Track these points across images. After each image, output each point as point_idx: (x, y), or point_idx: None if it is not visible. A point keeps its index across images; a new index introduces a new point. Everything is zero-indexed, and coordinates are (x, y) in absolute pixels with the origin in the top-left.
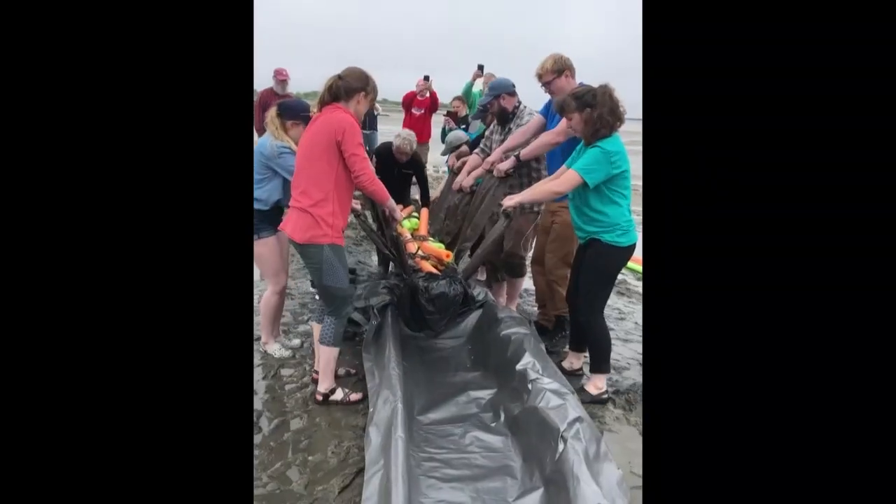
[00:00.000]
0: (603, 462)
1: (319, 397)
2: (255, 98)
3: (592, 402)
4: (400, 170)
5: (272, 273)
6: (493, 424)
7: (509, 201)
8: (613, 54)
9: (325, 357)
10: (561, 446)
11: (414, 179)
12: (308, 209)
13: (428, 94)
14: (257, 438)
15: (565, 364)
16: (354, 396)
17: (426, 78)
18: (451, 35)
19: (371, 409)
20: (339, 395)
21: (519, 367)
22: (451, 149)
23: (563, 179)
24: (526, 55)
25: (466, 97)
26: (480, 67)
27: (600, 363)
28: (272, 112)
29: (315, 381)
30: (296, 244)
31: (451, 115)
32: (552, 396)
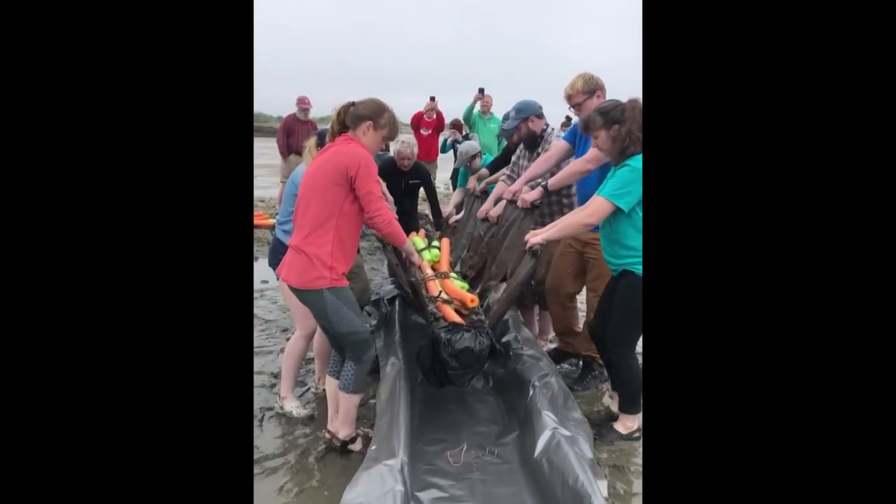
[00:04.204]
0: (570, 411)
1: (338, 443)
2: (280, 123)
3: (621, 440)
4: (407, 181)
5: (301, 315)
6: (481, 388)
7: (535, 238)
8: (618, 67)
9: (346, 405)
10: (531, 392)
11: (423, 194)
12: (302, 248)
13: (434, 116)
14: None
15: (614, 407)
16: None
17: (432, 98)
18: (456, 58)
19: (381, 375)
20: (358, 445)
21: (503, 340)
22: (467, 159)
23: (593, 209)
24: (532, 76)
25: (467, 120)
26: (481, 90)
27: (630, 403)
28: (312, 142)
29: (327, 443)
30: (292, 289)
31: (457, 126)
32: (528, 359)
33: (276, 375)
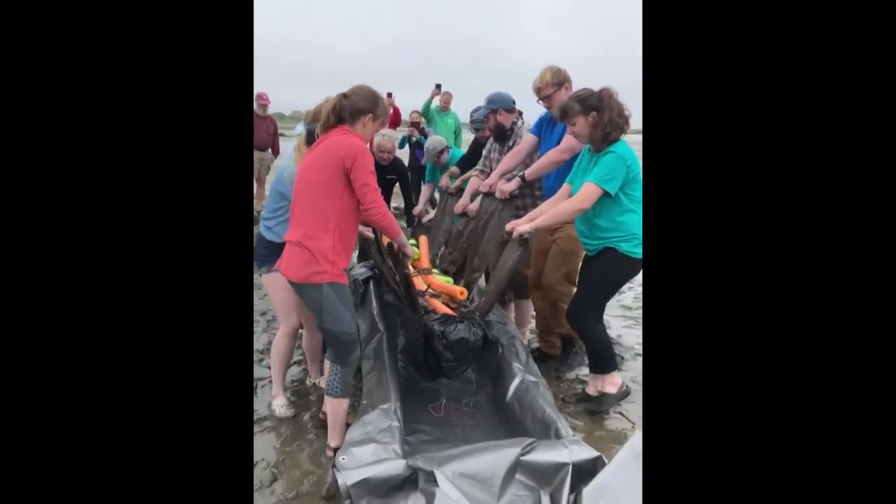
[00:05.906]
0: (531, 366)
1: (330, 453)
2: None
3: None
4: (384, 176)
5: (282, 312)
6: None
7: (523, 227)
8: (574, 60)
9: (333, 411)
10: (500, 350)
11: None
12: (304, 243)
13: (391, 110)
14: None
15: (590, 390)
16: None
17: (389, 94)
18: (409, 55)
19: (364, 348)
20: None
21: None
22: (434, 155)
23: (584, 195)
24: (487, 71)
25: (425, 113)
26: (438, 86)
27: (606, 364)
28: (300, 140)
29: (322, 421)
30: (292, 283)
31: (415, 124)
32: (497, 324)
33: (261, 352)
